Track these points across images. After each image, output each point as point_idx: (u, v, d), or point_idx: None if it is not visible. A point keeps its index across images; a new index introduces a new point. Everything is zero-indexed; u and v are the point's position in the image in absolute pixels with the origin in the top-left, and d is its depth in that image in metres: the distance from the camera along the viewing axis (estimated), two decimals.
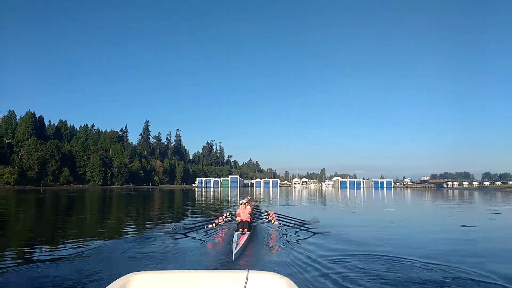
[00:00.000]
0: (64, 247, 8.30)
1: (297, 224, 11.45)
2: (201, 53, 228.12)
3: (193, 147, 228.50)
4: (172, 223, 12.05)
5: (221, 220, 11.09)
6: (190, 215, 18.62)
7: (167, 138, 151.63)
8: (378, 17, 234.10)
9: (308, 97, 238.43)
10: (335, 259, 7.03)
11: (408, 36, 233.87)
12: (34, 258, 7.30)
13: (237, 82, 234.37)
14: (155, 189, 78.36)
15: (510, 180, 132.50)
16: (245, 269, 2.05)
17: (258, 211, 13.73)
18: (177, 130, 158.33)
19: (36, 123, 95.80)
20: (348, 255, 7.43)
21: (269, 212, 12.93)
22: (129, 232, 11.03)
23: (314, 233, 10.26)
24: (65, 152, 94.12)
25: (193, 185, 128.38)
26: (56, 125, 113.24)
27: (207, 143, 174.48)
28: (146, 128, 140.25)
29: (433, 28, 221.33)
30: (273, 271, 2.10)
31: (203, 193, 54.40)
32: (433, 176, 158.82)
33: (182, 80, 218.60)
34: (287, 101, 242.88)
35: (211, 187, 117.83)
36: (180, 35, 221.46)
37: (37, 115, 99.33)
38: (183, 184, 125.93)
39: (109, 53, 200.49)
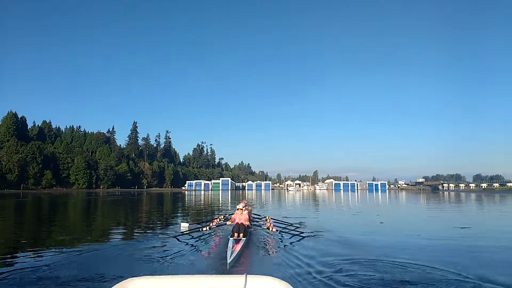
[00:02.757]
0: (49, 255, 7.95)
1: (297, 232, 10.99)
2: (191, 53, 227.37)
3: (183, 149, 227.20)
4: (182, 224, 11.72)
5: (215, 223, 10.93)
6: (180, 220, 17.91)
7: (156, 140, 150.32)
8: (375, 15, 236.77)
9: (299, 100, 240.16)
10: (338, 266, 6.83)
11: (404, 37, 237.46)
12: (16, 267, 6.84)
13: (228, 83, 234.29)
14: (142, 193, 76.81)
15: (508, 182, 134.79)
16: (243, 274, 2.05)
17: (256, 215, 13.27)
18: (167, 131, 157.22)
19: (17, 124, 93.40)
20: (352, 261, 7.25)
21: (267, 217, 12.68)
22: (115, 238, 10.70)
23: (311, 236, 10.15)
24: (48, 154, 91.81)
25: (183, 188, 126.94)
26: (39, 126, 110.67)
27: (198, 145, 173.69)
28: (134, 130, 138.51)
29: (432, 27, 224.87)
30: (272, 276, 2.10)
31: (193, 197, 53.42)
32: (426, 178, 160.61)
33: (171, 80, 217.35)
34: (279, 103, 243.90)
35: (201, 190, 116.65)
36: (169, 35, 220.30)
37: (21, 116, 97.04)
38: (171, 187, 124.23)
39: (96, 52, 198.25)
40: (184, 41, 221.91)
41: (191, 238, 9.75)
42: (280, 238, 10.16)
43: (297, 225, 12.46)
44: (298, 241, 9.78)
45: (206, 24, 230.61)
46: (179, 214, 21.67)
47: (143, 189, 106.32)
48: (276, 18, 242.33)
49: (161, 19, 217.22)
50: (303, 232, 10.77)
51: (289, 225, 12.05)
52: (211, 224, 10.62)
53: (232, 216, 10.03)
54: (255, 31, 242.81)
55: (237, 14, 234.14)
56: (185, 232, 10.22)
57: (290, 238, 10.20)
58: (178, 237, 9.80)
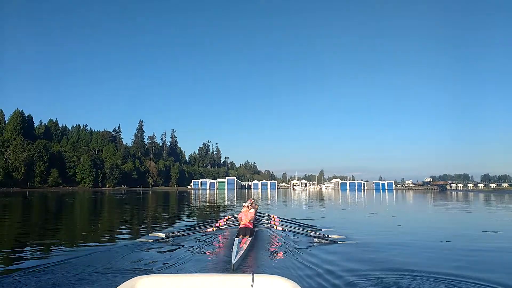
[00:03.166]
0: (54, 253, 7.87)
1: (304, 230, 10.74)
2: (197, 52, 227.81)
3: (189, 148, 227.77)
4: (167, 230, 11.31)
5: (222, 223, 10.65)
6: (186, 218, 17.60)
7: (162, 139, 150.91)
8: (376, 15, 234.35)
9: (305, 98, 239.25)
10: (349, 272, 6.47)
11: (408, 36, 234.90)
12: (22, 266, 6.70)
13: (234, 82, 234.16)
14: (147, 191, 76.91)
15: None
16: (251, 273, 2.06)
17: (261, 215, 12.98)
18: (173, 130, 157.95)
19: (24, 122, 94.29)
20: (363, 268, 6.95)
21: (272, 216, 12.50)
22: (120, 237, 10.57)
23: (328, 241, 9.44)
24: (54, 152, 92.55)
25: (189, 187, 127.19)
26: (46, 124, 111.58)
27: (203, 144, 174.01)
28: (140, 128, 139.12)
29: (432, 27, 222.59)
30: (279, 275, 2.09)
31: (198, 196, 53.22)
32: (433, 178, 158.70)
33: (177, 79, 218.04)
34: (285, 103, 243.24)
35: (207, 189, 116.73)
36: (176, 33, 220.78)
37: (28, 115, 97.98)
38: (176, 186, 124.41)
39: (102, 50, 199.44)
40: (189, 40, 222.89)
41: (195, 238, 9.55)
42: (287, 238, 9.86)
43: (307, 225, 12.04)
44: (308, 241, 9.43)
45: (211, 24, 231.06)
46: (184, 214, 21.43)
47: (149, 188, 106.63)
48: (278, 18, 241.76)
49: (168, 18, 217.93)
50: (312, 231, 10.40)
51: (297, 224, 11.76)
52: (217, 224, 10.38)
53: (239, 214, 9.75)
54: (258, 31, 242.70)
55: (238, 14, 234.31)
56: (182, 234, 9.97)
57: (299, 238, 9.88)
58: (179, 238, 9.60)
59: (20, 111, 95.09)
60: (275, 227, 10.27)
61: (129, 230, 12.53)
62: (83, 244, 9.15)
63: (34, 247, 8.91)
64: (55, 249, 8.53)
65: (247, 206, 9.64)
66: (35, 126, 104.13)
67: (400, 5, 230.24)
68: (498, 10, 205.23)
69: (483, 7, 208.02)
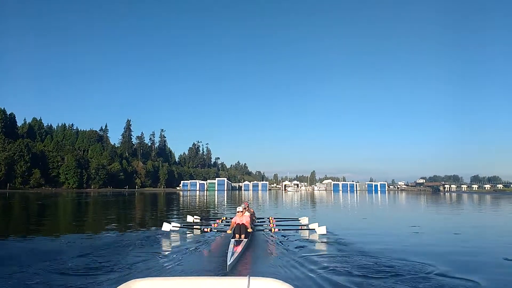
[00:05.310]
0: (39, 259, 7.57)
1: (298, 227, 11.36)
2: (187, 51, 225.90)
3: (178, 149, 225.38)
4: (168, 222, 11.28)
5: (217, 225, 10.80)
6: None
7: (150, 139, 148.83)
8: (376, 16, 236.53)
9: (296, 99, 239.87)
10: (344, 268, 6.63)
11: (403, 37, 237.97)
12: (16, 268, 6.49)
13: (225, 82, 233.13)
14: (133, 193, 75.12)
15: (508, 183, 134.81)
16: (247, 275, 2.07)
17: (257, 218, 12.69)
18: (162, 130, 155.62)
19: (6, 121, 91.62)
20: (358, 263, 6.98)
21: (270, 218, 12.59)
22: (111, 239, 10.30)
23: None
24: (37, 152, 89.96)
25: (178, 188, 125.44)
26: (29, 123, 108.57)
27: (194, 144, 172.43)
28: (128, 128, 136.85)
29: (430, 28, 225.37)
30: (275, 278, 2.13)
31: (187, 198, 52.05)
32: (424, 179, 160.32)
33: (166, 78, 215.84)
34: (276, 103, 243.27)
35: (196, 190, 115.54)
36: (165, 32, 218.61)
37: (10, 113, 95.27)
38: (163, 187, 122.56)
39: (90, 49, 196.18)
40: (179, 39, 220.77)
41: (191, 240, 9.60)
42: (284, 239, 9.95)
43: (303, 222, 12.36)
44: (304, 242, 9.69)
45: (203, 23, 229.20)
46: (174, 217, 20.67)
47: (135, 189, 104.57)
48: (275, 19, 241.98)
49: (156, 16, 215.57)
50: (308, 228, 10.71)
51: (294, 222, 12.20)
52: (214, 224, 10.55)
53: (232, 220, 9.21)
54: (250, 32, 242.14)
55: (236, 14, 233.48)
56: (180, 226, 10.23)
57: (296, 237, 10.17)
58: (171, 235, 9.78)
59: (2, 109, 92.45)
60: (272, 230, 10.34)
61: (119, 231, 12.03)
62: (74, 246, 8.87)
63: (20, 248, 8.61)
64: (35, 256, 8.07)
65: (241, 212, 9.19)
66: (18, 125, 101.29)
67: (400, 6, 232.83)
68: (498, 11, 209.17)
69: (483, 8, 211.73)
